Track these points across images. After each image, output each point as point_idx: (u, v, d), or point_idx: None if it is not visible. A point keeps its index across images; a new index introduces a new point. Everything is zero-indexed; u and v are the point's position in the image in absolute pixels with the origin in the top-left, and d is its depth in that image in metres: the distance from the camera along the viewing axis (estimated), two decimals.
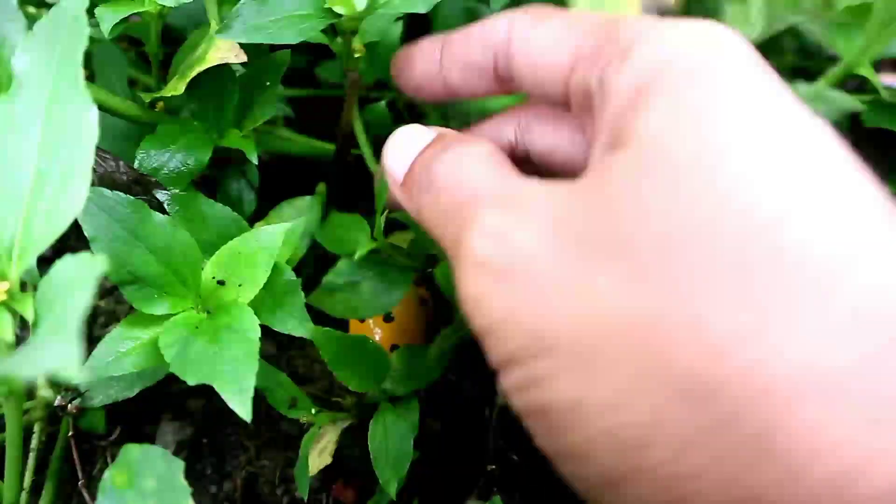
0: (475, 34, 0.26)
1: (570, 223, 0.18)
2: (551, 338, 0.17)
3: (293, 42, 0.27)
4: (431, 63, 0.27)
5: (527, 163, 0.27)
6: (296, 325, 0.26)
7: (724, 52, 0.19)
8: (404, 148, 0.25)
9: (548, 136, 0.26)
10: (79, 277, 0.17)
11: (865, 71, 0.35)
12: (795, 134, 0.18)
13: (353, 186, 0.43)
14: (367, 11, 0.27)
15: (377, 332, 0.36)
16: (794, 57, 0.41)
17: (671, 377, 0.16)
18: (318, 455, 0.33)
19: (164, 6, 0.29)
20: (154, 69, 0.33)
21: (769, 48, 0.38)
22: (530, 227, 0.18)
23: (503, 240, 0.19)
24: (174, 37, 0.36)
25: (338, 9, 0.27)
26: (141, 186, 0.29)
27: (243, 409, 0.22)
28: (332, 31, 0.31)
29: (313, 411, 0.32)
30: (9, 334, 0.19)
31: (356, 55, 0.32)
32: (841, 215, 0.16)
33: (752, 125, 0.17)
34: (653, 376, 0.16)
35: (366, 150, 0.37)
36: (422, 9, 0.28)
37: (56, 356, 0.13)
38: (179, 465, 0.22)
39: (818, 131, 0.18)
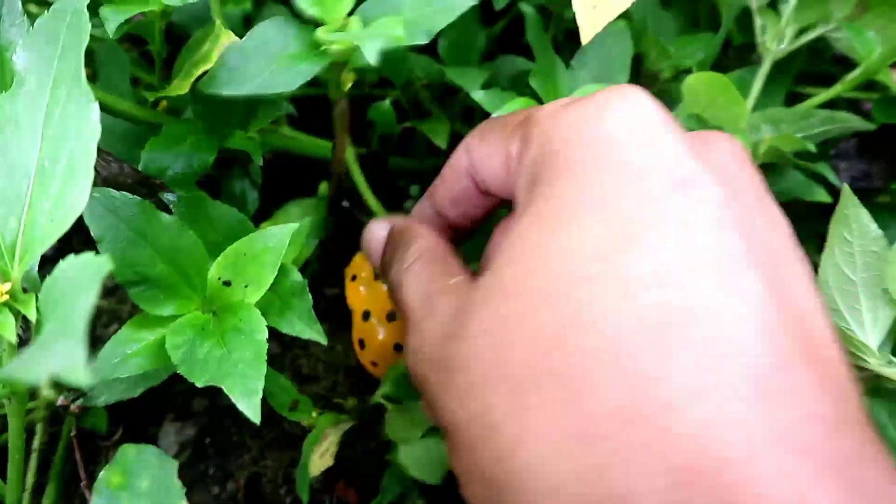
0: (447, 174, 0.28)
1: (446, 338, 0.22)
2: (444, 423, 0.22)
3: (289, 89, 0.25)
4: (429, 216, 0.30)
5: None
6: (303, 327, 0.26)
7: (603, 142, 0.21)
8: (375, 244, 0.29)
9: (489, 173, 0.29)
10: (83, 278, 0.16)
11: (884, 76, 0.35)
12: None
13: (351, 229, 0.43)
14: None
15: (381, 332, 0.36)
16: (828, 65, 0.41)
17: (480, 471, 0.20)
18: (320, 457, 0.33)
19: (168, 5, 0.29)
20: (157, 68, 0.33)
21: (804, 56, 0.39)
22: (424, 341, 0.23)
23: (415, 360, 0.23)
24: (178, 35, 0.36)
25: (334, 47, 0.26)
26: (146, 188, 0.28)
27: (252, 410, 0.22)
28: None
29: (314, 413, 0.32)
30: (11, 335, 0.19)
31: (346, 86, 0.30)
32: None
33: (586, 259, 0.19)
34: (471, 469, 0.20)
35: (365, 193, 0.37)
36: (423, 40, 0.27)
37: (62, 359, 0.13)
38: (173, 465, 0.22)
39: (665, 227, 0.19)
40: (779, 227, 0.21)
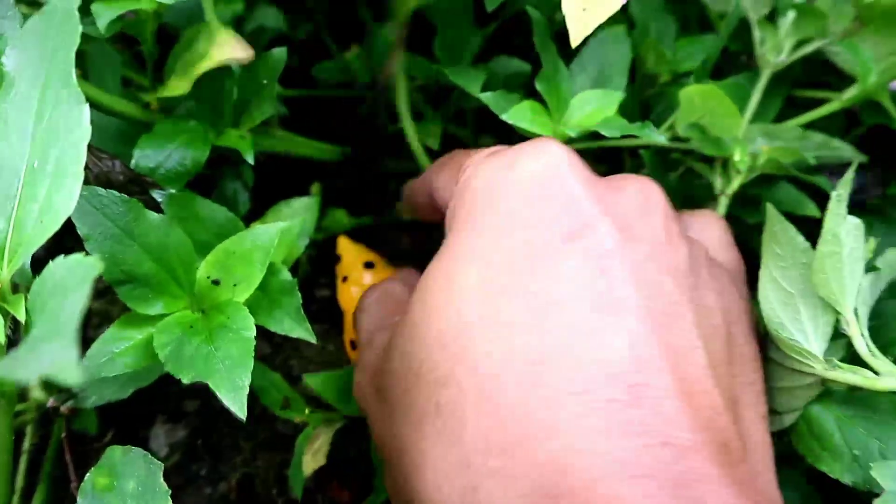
0: (417, 184, 0.32)
1: (376, 371, 0.25)
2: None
3: None
4: (410, 206, 0.34)
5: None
6: (292, 325, 0.26)
7: (499, 198, 0.23)
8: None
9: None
10: (73, 278, 0.16)
11: (882, 97, 0.35)
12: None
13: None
14: None
15: None
16: (828, 76, 0.41)
17: (396, 488, 0.23)
18: (313, 456, 0.33)
19: (160, 3, 0.29)
20: (149, 68, 0.33)
21: (801, 66, 0.39)
22: (363, 374, 0.26)
23: (358, 392, 0.27)
24: (169, 36, 0.36)
25: None
26: (137, 186, 0.28)
27: (238, 407, 0.22)
28: None
29: (307, 411, 0.32)
30: (0, 336, 0.19)
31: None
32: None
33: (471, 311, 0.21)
34: (391, 486, 0.24)
35: (403, 108, 0.39)
36: None
37: (53, 359, 0.13)
38: (159, 466, 0.22)
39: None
40: (676, 272, 0.22)
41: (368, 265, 0.40)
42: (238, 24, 0.38)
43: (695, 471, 0.18)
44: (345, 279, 0.40)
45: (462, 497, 0.19)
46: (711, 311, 0.23)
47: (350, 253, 0.41)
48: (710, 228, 0.28)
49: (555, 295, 0.20)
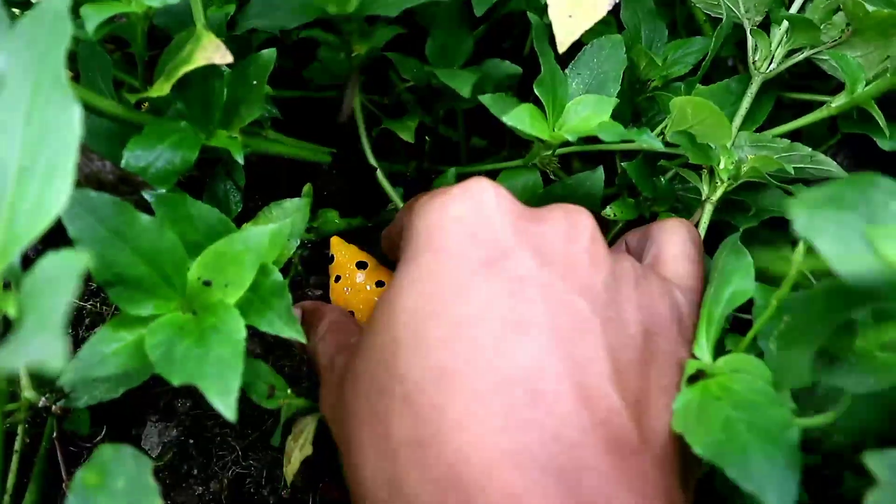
0: (391, 228, 0.36)
1: (338, 387, 0.29)
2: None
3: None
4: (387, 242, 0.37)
5: None
6: (282, 326, 0.26)
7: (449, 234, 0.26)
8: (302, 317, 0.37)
9: None
10: (62, 273, 0.16)
11: (872, 108, 0.36)
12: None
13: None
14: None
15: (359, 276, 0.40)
16: (817, 82, 0.42)
17: (350, 483, 0.26)
18: (300, 449, 0.33)
19: (150, 7, 0.29)
20: (140, 70, 0.33)
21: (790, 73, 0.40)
22: (328, 392, 0.30)
23: (325, 408, 0.30)
24: (160, 38, 0.36)
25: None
26: (128, 186, 0.29)
27: (228, 409, 0.22)
28: None
29: (289, 391, 0.33)
30: None
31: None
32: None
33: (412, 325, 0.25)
34: (349, 481, 0.27)
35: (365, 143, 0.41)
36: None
37: (41, 349, 0.13)
38: (149, 464, 0.22)
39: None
40: (589, 291, 0.26)
41: (361, 265, 0.41)
42: (231, 27, 0.38)
43: (581, 460, 0.22)
44: (337, 279, 0.40)
45: (389, 484, 0.23)
46: (627, 323, 0.26)
47: (342, 253, 0.41)
48: (671, 243, 0.31)
49: (470, 315, 0.24)
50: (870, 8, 0.34)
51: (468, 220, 0.26)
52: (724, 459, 0.22)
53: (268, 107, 0.39)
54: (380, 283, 0.40)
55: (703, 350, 0.27)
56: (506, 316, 0.24)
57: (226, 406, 0.22)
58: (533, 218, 0.27)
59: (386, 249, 0.38)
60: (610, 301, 0.26)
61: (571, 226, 0.27)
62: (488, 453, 0.22)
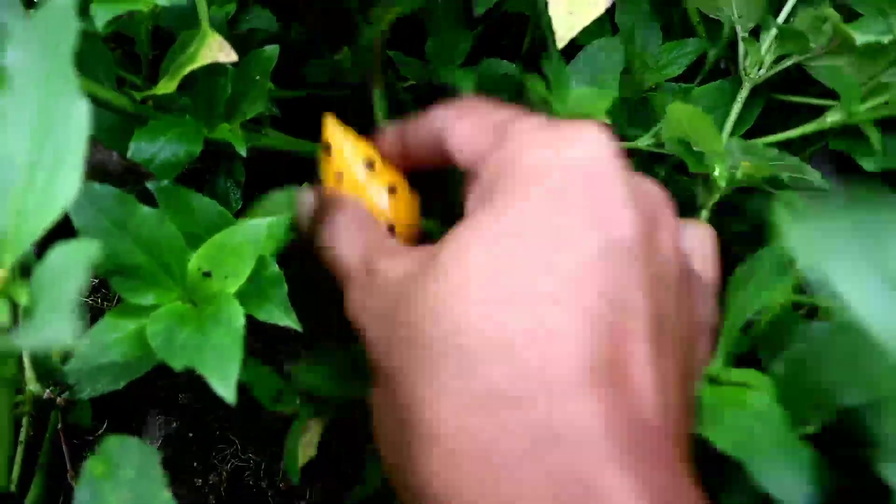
0: (423, 123, 0.31)
1: (390, 297, 0.25)
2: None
3: None
4: (392, 143, 0.33)
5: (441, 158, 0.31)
6: (280, 315, 0.27)
7: (559, 168, 0.24)
8: (305, 207, 0.32)
9: (461, 135, 0.31)
10: (71, 262, 0.17)
11: (871, 132, 0.37)
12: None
13: None
14: None
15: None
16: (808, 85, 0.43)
17: (394, 419, 0.25)
18: (304, 448, 0.34)
19: (157, 4, 0.30)
20: (144, 69, 0.34)
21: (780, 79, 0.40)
22: (369, 296, 0.26)
23: (361, 312, 0.27)
24: (163, 37, 0.37)
25: None
26: (133, 176, 0.29)
27: (228, 393, 0.22)
28: None
29: (297, 402, 0.33)
30: (4, 319, 0.20)
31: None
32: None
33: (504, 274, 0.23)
34: (386, 414, 0.25)
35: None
36: None
37: (54, 330, 0.14)
38: (156, 455, 0.23)
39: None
40: (672, 283, 0.25)
41: (368, 164, 0.32)
42: (232, 25, 0.39)
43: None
44: (339, 175, 0.32)
45: (470, 434, 0.21)
46: (682, 321, 0.25)
47: (343, 143, 0.33)
48: (703, 244, 0.30)
49: (559, 274, 0.23)
50: (855, 35, 0.35)
51: (586, 168, 0.24)
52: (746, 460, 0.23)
53: (268, 104, 0.40)
54: (392, 189, 0.32)
55: (717, 359, 0.28)
56: (609, 279, 0.23)
57: (226, 390, 0.22)
58: (637, 186, 0.26)
59: (396, 148, 0.33)
60: (682, 294, 0.26)
61: (663, 207, 0.26)
62: (576, 416, 0.21)
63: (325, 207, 0.30)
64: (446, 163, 0.30)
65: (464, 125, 0.29)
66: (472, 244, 0.24)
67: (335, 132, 0.33)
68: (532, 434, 0.21)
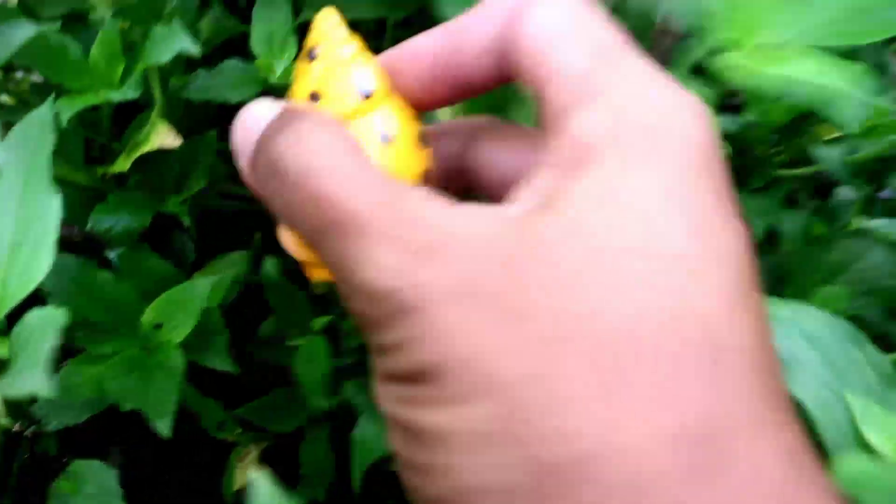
0: (449, 30, 0.21)
1: (487, 274, 0.17)
2: (438, 369, 0.17)
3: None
4: (430, 56, 0.21)
5: (459, 177, 0.24)
6: (220, 361, 0.33)
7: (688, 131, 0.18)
8: (251, 124, 0.20)
9: (497, 149, 0.23)
10: (45, 325, 0.23)
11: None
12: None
13: None
14: None
15: None
16: None
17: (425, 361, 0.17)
18: (242, 471, 0.39)
19: (110, 100, 0.35)
20: (106, 146, 0.39)
21: None
22: (440, 274, 0.17)
23: (409, 280, 0.17)
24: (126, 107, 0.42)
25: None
26: (92, 244, 0.35)
27: (164, 428, 0.28)
28: None
29: (238, 432, 0.38)
30: None
31: None
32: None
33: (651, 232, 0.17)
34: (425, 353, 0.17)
35: None
36: None
37: (31, 382, 0.19)
38: (113, 474, 0.28)
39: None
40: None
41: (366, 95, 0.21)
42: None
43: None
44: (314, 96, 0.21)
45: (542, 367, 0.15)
46: None
47: (335, 45, 0.21)
48: None
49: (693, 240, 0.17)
50: None
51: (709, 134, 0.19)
52: None
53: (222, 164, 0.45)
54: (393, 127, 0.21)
55: None
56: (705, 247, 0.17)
57: (162, 425, 0.28)
58: None
59: (425, 62, 0.21)
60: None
61: None
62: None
63: (293, 116, 0.19)
64: (502, 77, 0.21)
65: (552, 13, 0.19)
66: (583, 204, 0.17)
67: (332, 29, 0.21)
68: None
